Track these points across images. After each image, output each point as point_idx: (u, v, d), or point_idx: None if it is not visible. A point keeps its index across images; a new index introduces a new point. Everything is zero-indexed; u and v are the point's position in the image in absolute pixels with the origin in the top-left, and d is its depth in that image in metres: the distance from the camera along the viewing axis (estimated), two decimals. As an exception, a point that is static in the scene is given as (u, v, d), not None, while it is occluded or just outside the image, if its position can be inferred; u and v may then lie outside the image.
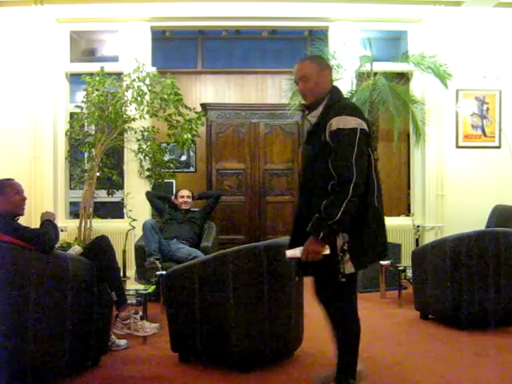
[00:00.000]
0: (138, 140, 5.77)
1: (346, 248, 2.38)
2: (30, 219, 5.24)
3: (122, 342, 3.48)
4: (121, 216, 5.99)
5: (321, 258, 2.36)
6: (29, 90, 5.81)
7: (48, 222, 3.00)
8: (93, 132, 5.78)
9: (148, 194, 5.56)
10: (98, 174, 5.72)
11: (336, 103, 2.51)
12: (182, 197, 5.42)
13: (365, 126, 2.42)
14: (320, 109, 2.54)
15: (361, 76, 5.70)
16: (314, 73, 2.56)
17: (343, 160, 2.34)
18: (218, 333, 3.03)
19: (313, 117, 2.57)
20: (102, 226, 5.77)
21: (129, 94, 5.54)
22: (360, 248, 2.42)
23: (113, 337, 3.46)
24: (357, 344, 2.53)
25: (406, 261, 5.48)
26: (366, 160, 2.39)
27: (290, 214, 6.47)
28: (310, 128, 2.64)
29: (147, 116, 5.63)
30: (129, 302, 3.52)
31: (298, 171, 6.56)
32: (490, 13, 5.97)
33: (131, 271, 4.90)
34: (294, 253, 2.46)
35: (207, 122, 6.91)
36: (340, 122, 2.38)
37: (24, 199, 3.10)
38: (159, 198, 5.60)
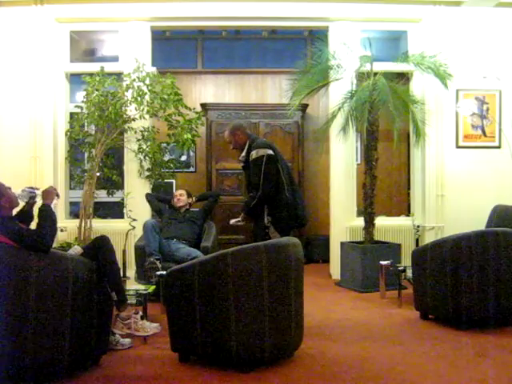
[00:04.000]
0: (138, 140, 5.77)
1: (269, 223, 3.97)
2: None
3: (127, 341, 3.49)
4: (121, 216, 5.99)
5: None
6: (29, 90, 5.81)
7: (43, 214, 2.94)
8: (93, 132, 5.77)
9: (147, 196, 5.60)
10: (97, 174, 5.72)
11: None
12: (176, 196, 5.51)
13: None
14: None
15: (361, 76, 5.68)
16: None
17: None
18: (218, 333, 3.02)
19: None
20: (102, 226, 5.77)
21: (129, 94, 5.54)
22: (278, 223, 3.95)
23: (117, 336, 3.46)
24: None
25: (406, 261, 5.48)
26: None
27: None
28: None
29: (147, 116, 5.63)
30: (129, 302, 3.51)
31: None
32: (490, 13, 5.98)
33: (131, 271, 4.89)
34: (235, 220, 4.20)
35: (207, 122, 6.91)
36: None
37: (10, 188, 3.08)
38: (159, 200, 5.63)
